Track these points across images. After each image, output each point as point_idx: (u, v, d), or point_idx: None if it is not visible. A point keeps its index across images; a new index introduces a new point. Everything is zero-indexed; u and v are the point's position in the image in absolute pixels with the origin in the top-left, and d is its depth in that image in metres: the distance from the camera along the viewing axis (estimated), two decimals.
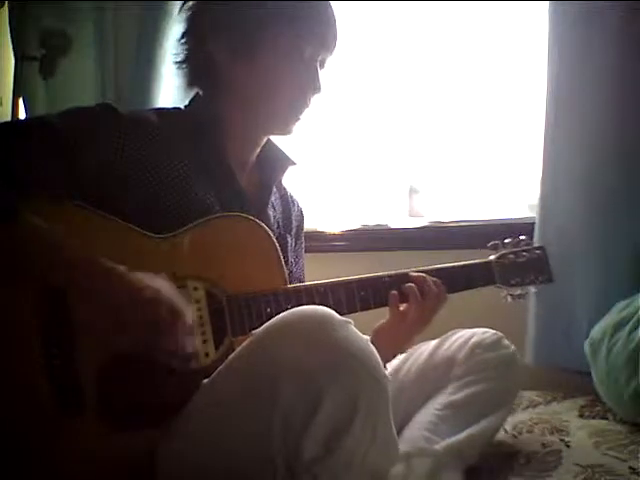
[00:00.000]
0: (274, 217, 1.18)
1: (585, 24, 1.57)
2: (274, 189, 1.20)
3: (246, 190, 1.11)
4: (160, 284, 0.85)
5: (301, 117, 1.10)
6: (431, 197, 2.06)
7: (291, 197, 1.29)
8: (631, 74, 1.54)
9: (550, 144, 1.65)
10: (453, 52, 1.98)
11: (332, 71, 1.14)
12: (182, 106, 1.14)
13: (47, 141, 0.92)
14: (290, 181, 1.29)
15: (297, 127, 1.12)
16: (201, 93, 1.12)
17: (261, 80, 1.06)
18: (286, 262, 1.11)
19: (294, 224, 1.26)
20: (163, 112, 1.09)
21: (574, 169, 1.62)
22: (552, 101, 1.64)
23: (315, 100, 1.10)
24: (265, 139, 1.16)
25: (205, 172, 1.05)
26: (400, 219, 2.05)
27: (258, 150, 1.16)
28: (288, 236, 1.20)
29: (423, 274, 1.11)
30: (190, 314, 0.87)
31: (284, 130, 1.13)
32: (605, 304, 1.47)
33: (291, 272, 1.20)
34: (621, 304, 1.43)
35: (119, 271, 0.83)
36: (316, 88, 1.08)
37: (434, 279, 1.11)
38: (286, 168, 1.20)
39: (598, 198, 1.58)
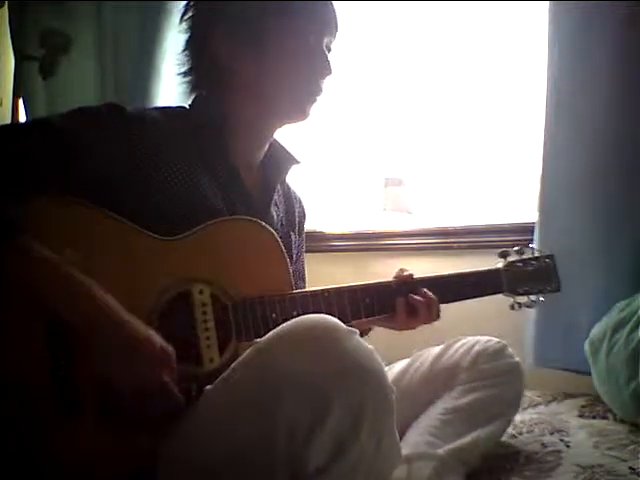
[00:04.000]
0: (278, 216, 1.17)
1: (585, 25, 1.57)
2: (277, 187, 1.19)
3: (251, 191, 1.10)
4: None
5: (317, 99, 1.09)
6: (424, 193, 2.06)
7: (294, 194, 1.28)
8: (631, 75, 1.54)
9: (550, 145, 1.65)
10: (452, 52, 1.98)
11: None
12: (186, 105, 1.13)
13: (52, 141, 0.92)
14: (292, 179, 1.28)
15: (313, 110, 1.10)
16: (205, 94, 1.11)
17: (272, 74, 1.05)
18: (291, 261, 1.10)
19: (297, 221, 1.26)
20: (169, 111, 1.08)
21: (574, 169, 1.62)
22: (552, 102, 1.64)
23: (328, 83, 1.09)
24: (273, 137, 1.15)
25: (211, 173, 1.04)
26: (399, 220, 2.06)
27: (265, 149, 1.15)
28: (292, 234, 1.20)
29: (426, 290, 1.11)
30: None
31: (301, 116, 1.11)
32: (605, 304, 1.48)
33: (294, 269, 1.20)
34: (621, 304, 1.43)
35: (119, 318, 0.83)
36: (327, 71, 1.07)
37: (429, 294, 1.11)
38: (289, 167, 1.19)
39: (598, 199, 1.58)
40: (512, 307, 1.23)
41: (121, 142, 0.95)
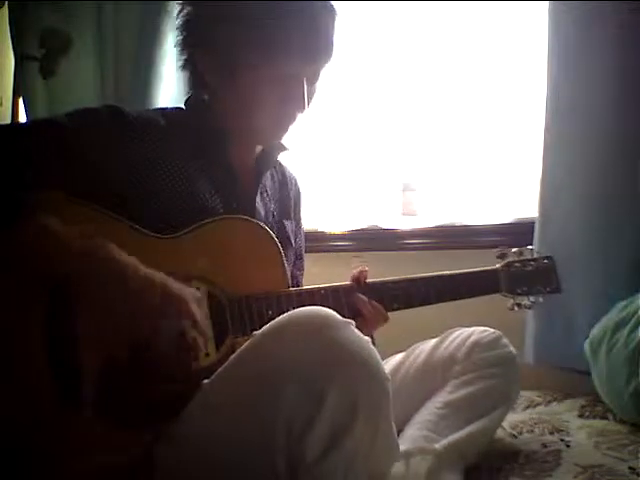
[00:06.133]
0: (268, 209, 1.17)
1: (585, 25, 1.58)
2: (273, 174, 1.21)
3: (248, 189, 1.11)
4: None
5: (289, 129, 1.09)
6: (427, 195, 2.06)
7: (289, 175, 1.28)
8: (631, 75, 1.54)
9: (550, 145, 1.65)
10: (453, 52, 1.98)
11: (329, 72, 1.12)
12: (183, 105, 1.14)
13: (53, 141, 0.93)
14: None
15: (286, 137, 1.11)
16: (198, 95, 1.13)
17: (242, 97, 1.05)
18: (290, 246, 1.12)
19: (291, 203, 1.26)
20: (167, 113, 1.09)
21: (574, 170, 1.62)
22: (552, 102, 1.64)
23: (302, 117, 1.08)
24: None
25: (208, 173, 1.05)
26: (401, 220, 2.05)
27: (259, 149, 1.16)
28: (285, 222, 1.21)
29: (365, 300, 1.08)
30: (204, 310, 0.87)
31: (271, 142, 1.14)
32: (605, 304, 1.47)
33: (294, 250, 1.22)
34: (621, 304, 1.43)
35: (134, 266, 0.83)
36: (299, 107, 1.05)
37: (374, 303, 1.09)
38: (277, 155, 1.18)
39: (598, 199, 1.59)
40: (511, 308, 1.23)
41: (120, 143, 0.97)
